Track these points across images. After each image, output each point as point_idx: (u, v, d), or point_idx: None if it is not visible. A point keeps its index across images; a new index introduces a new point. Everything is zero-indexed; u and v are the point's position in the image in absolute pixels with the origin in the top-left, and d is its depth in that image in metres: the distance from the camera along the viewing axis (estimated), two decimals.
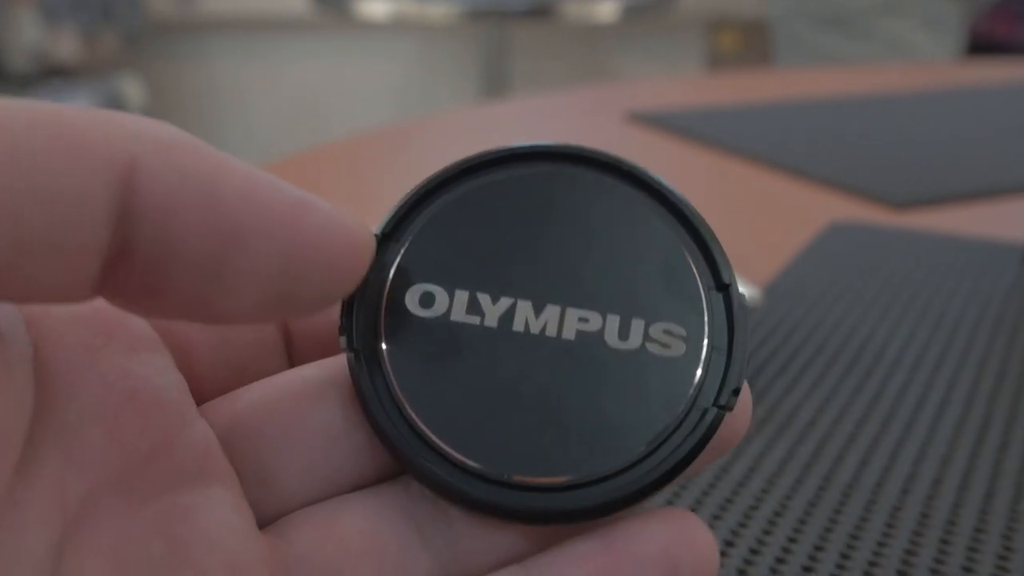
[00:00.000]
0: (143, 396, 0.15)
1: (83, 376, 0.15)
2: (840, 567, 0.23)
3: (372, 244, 0.15)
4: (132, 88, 2.40)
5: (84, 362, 0.15)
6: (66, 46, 2.21)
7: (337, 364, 0.17)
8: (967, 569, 0.23)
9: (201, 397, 0.16)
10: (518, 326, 0.16)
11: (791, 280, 0.43)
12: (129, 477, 0.15)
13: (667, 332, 0.16)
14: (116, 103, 2.33)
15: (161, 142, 0.13)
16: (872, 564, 0.23)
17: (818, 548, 0.24)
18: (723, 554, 0.24)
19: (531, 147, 0.17)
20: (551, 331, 0.16)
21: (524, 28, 2.68)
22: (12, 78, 2.19)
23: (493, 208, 0.17)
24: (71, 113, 0.12)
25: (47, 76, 2.27)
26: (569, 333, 0.16)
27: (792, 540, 0.24)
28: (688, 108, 0.80)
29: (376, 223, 0.17)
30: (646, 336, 0.16)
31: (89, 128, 0.12)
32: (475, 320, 0.16)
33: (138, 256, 0.13)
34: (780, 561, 0.23)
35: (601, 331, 0.16)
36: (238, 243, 0.13)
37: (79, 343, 0.15)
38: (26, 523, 0.13)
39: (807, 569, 0.23)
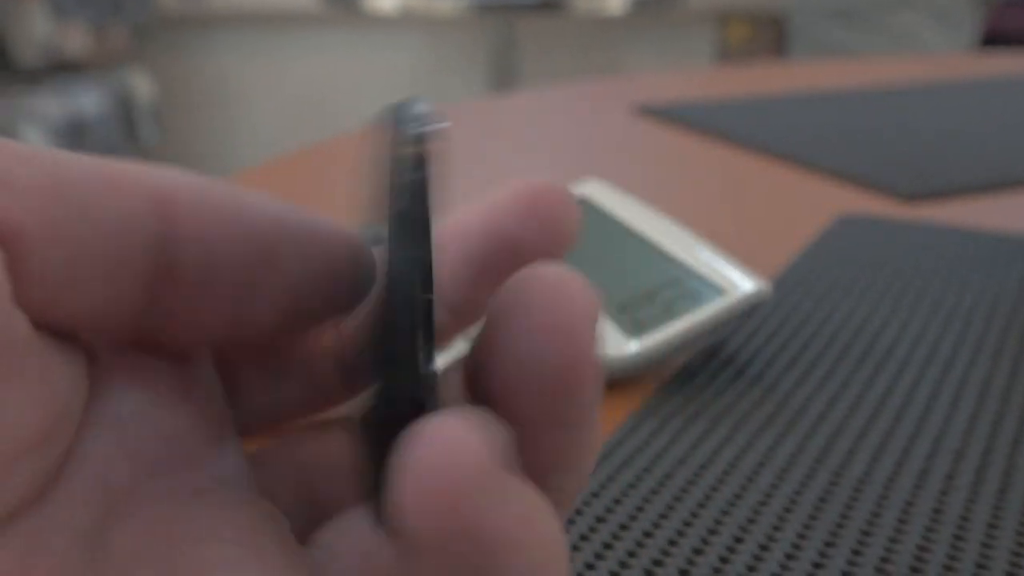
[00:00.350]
0: (192, 398, 0.16)
1: (137, 370, 0.16)
2: (851, 563, 0.23)
3: (371, 253, 0.17)
4: (140, 82, 2.40)
5: (137, 356, 0.16)
6: (75, 40, 2.21)
7: None
8: (980, 565, 0.23)
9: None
10: None
11: (800, 273, 0.42)
12: (173, 470, 0.16)
13: None
14: (124, 97, 2.33)
15: (191, 181, 0.15)
16: (884, 560, 0.23)
17: (829, 544, 0.24)
18: (731, 551, 0.24)
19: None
20: None
21: (532, 21, 2.68)
22: (21, 73, 2.20)
23: None
24: (109, 160, 0.14)
25: (56, 70, 2.28)
26: None
27: (802, 536, 0.24)
28: (697, 101, 0.80)
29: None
30: None
31: (127, 169, 0.14)
32: None
33: (180, 280, 0.15)
34: (790, 557, 0.23)
35: None
36: (270, 256, 0.15)
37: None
38: (73, 500, 0.14)
39: (817, 565, 0.23)
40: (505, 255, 0.18)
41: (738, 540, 0.24)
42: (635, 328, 0.33)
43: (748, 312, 0.33)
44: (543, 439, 0.15)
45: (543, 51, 2.68)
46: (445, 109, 0.80)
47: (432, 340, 0.15)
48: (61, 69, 2.26)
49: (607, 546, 0.24)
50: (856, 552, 0.23)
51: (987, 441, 0.29)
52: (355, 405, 0.18)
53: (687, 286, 0.34)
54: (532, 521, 0.12)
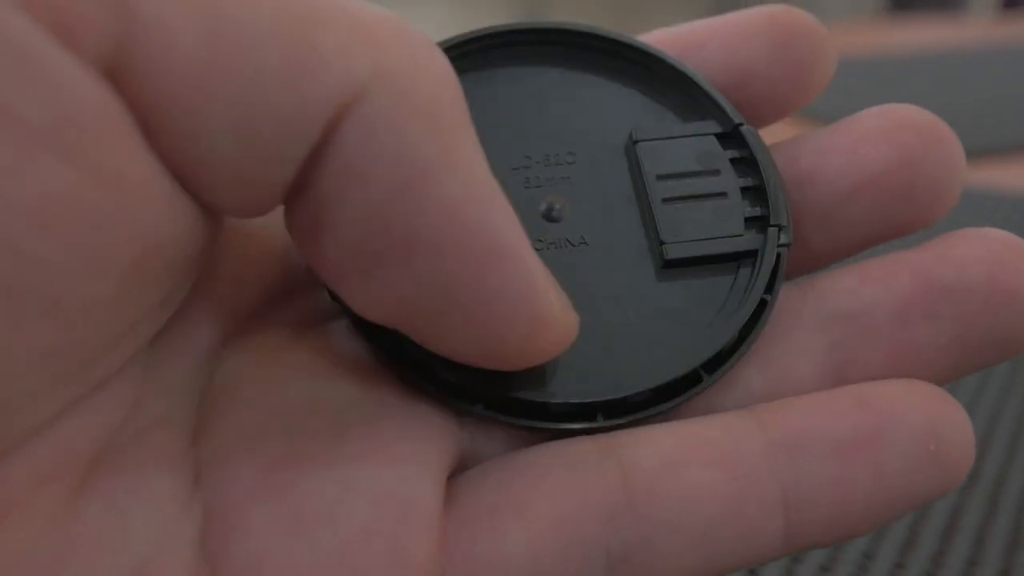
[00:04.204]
0: None
1: None
2: (865, 560, 0.23)
3: (570, 328, 0.13)
4: None
5: None
6: None
7: None
8: (1016, 527, 0.23)
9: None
10: None
11: None
12: (297, 294, 0.15)
13: None
14: None
15: (398, 88, 0.11)
16: (918, 521, 0.23)
17: (840, 547, 0.23)
18: None
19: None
20: None
21: None
22: None
23: None
24: (319, 17, 0.11)
25: None
26: None
27: None
28: None
29: None
30: None
31: (331, 43, 0.11)
32: None
33: (308, 194, 0.12)
34: (796, 561, 0.22)
35: None
36: (402, 252, 0.11)
37: None
38: (196, 323, 0.13)
39: (827, 567, 0.23)
40: (740, 93, 0.16)
41: None
42: None
43: None
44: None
45: (573, 12, 2.65)
46: None
47: None
48: None
49: None
50: (867, 556, 0.23)
51: (1018, 417, 0.28)
52: None
53: None
54: None
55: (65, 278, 0.10)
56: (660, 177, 0.16)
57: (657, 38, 0.17)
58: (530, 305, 0.12)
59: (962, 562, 0.22)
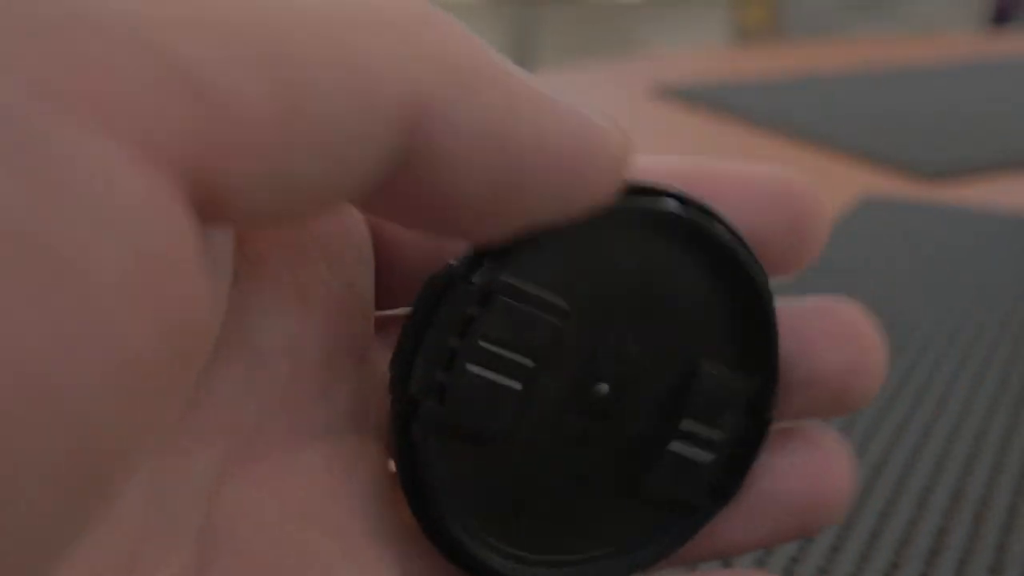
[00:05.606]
0: (336, 317, 0.14)
1: (283, 286, 0.14)
2: (869, 546, 0.23)
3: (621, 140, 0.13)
4: None
5: (287, 266, 0.14)
6: None
7: None
8: (1000, 547, 0.23)
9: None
10: None
11: (821, 256, 0.42)
12: (296, 406, 0.14)
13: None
14: None
15: (461, 79, 0.11)
16: (902, 544, 0.23)
17: (846, 527, 0.24)
18: None
19: None
20: None
21: (550, 9, 2.67)
22: None
23: None
24: (359, 37, 0.11)
25: None
26: None
27: None
28: (715, 81, 0.79)
29: None
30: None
31: (379, 58, 0.11)
32: None
33: (405, 183, 0.12)
34: (808, 540, 0.23)
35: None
36: (517, 188, 0.12)
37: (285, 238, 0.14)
38: (196, 443, 0.13)
39: (835, 549, 0.23)
40: None
41: None
42: None
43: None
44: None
45: (562, 34, 2.67)
46: None
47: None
48: None
49: None
50: (873, 535, 0.23)
51: (1009, 422, 0.28)
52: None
53: None
54: None
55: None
56: (692, 417, 0.15)
57: (661, 170, 0.16)
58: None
59: None
